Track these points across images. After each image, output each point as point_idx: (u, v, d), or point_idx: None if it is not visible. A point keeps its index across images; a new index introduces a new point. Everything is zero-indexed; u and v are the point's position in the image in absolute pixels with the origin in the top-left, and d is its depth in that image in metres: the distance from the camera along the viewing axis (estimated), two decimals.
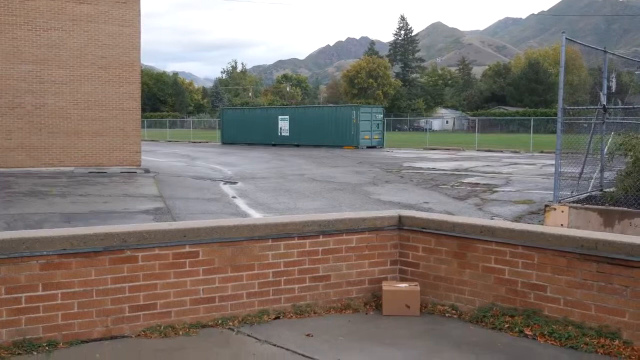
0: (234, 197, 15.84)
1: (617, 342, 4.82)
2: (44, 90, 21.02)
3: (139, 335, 5.06)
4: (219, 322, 5.37)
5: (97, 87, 21.66)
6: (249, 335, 5.16)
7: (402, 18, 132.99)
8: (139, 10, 22.26)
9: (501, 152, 38.59)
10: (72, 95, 21.39)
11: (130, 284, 5.06)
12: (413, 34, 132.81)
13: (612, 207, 10.18)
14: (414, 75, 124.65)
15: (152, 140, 53.40)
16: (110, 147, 21.99)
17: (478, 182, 19.54)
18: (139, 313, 5.11)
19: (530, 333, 5.14)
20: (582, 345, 4.86)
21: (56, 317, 4.81)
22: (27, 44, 20.71)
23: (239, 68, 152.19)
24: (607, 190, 11.41)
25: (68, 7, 21.10)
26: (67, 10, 21.10)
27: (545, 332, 5.09)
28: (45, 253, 4.75)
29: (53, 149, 21.25)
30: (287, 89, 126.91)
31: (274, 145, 44.89)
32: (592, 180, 11.69)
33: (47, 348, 4.72)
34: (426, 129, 65.16)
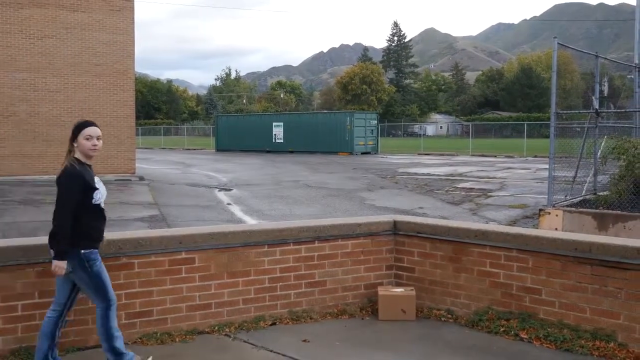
0: (229, 204, 15.84)
1: (612, 344, 4.85)
2: (38, 98, 20.99)
3: (135, 342, 5.06)
4: (216, 328, 5.38)
5: (91, 95, 21.63)
6: (245, 342, 5.17)
7: (395, 24, 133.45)
8: (133, 19, 22.27)
9: (495, 157, 38.69)
10: (66, 103, 21.35)
11: (127, 291, 5.07)
12: (406, 40, 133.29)
13: (606, 211, 10.23)
14: (407, 81, 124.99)
15: (147, 148, 53.32)
16: (104, 155, 21.91)
17: (472, 187, 19.59)
18: (135, 320, 5.11)
19: (525, 336, 5.17)
20: (577, 348, 4.89)
21: None
22: (21, 52, 20.68)
23: (233, 75, 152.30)
24: (601, 193, 11.46)
25: (62, 16, 21.09)
26: (60, 19, 21.09)
27: (541, 335, 5.11)
28: (41, 260, 4.74)
29: (47, 157, 21.18)
30: (281, 96, 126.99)
31: (268, 152, 44.88)
32: (586, 184, 11.74)
33: None
34: (420, 135, 65.33)
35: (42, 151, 21.14)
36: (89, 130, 4.36)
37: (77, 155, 4.33)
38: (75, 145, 4.34)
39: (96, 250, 4.35)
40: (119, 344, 4.39)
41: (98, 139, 4.38)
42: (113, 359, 4.38)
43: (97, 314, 4.40)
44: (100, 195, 4.40)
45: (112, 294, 4.42)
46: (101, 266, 4.36)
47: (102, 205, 4.44)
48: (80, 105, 21.51)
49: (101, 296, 4.36)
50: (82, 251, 4.25)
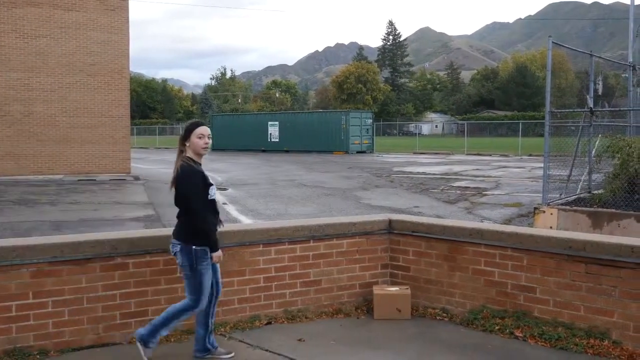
0: (224, 203, 15.81)
1: (606, 342, 4.86)
2: (32, 98, 20.93)
3: (130, 342, 5.05)
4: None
5: (85, 94, 21.58)
6: (240, 341, 5.17)
7: (391, 23, 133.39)
8: (128, 18, 22.23)
9: (490, 155, 38.75)
10: (60, 102, 21.30)
11: (122, 291, 5.06)
12: (401, 39, 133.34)
13: (600, 209, 10.25)
14: (402, 80, 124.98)
15: (142, 148, 53.24)
16: (99, 155, 21.90)
17: (468, 185, 19.62)
18: (130, 320, 5.10)
19: (520, 335, 5.18)
20: (572, 346, 4.90)
21: (47, 325, 4.80)
22: (15, 51, 20.62)
23: (228, 74, 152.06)
24: (596, 192, 11.49)
25: (56, 15, 21.04)
26: (55, 18, 21.04)
27: (536, 334, 5.12)
28: (35, 261, 4.73)
29: (42, 157, 21.14)
30: (277, 95, 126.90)
31: (263, 151, 44.86)
32: (581, 183, 11.77)
33: (38, 356, 4.70)
34: (415, 134, 65.33)
35: (37, 151, 21.09)
36: (201, 130, 4.55)
37: (189, 154, 4.55)
38: (187, 144, 4.55)
39: (207, 249, 4.51)
40: (157, 337, 4.59)
41: (208, 137, 4.60)
42: (141, 341, 4.56)
43: (180, 302, 4.64)
44: (215, 191, 4.64)
45: (205, 301, 4.58)
46: (207, 267, 4.53)
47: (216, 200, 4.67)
48: (75, 104, 21.47)
49: (194, 296, 4.55)
50: (194, 247, 4.46)
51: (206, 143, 4.56)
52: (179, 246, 4.52)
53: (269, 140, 45.98)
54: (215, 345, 4.80)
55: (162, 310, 5.19)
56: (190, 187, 4.44)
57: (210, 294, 4.65)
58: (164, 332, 4.65)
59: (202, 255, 4.49)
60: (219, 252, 4.58)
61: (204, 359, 4.75)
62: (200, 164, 4.58)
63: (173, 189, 4.53)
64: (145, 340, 4.56)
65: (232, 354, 4.81)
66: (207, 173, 4.60)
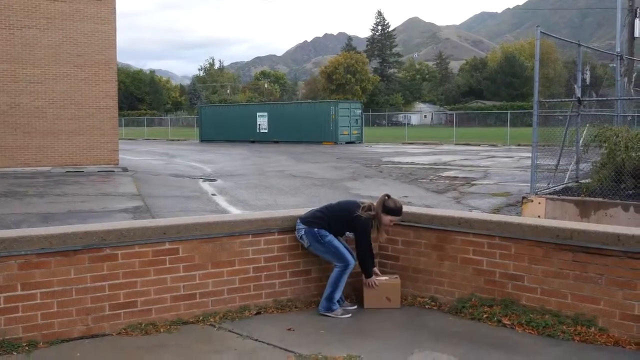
0: (213, 194, 15.79)
1: (592, 329, 4.91)
2: (18, 89, 20.74)
3: (119, 333, 5.05)
4: (200, 318, 5.38)
5: (72, 85, 21.41)
6: (230, 331, 5.18)
7: (379, 13, 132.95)
8: (115, 8, 22.04)
9: (479, 145, 38.85)
10: (47, 94, 21.13)
11: (110, 282, 5.05)
12: (390, 29, 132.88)
13: (588, 198, 10.33)
14: (391, 71, 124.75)
15: (130, 139, 52.96)
16: (87, 146, 21.77)
17: (456, 175, 19.69)
18: (119, 311, 5.10)
19: (508, 322, 5.22)
20: (559, 334, 4.95)
21: (36, 316, 4.79)
22: (0, 42, 20.41)
23: (217, 65, 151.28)
24: (583, 181, 11.57)
25: (42, 5, 20.83)
26: (41, 8, 20.83)
27: (523, 322, 5.16)
28: (23, 252, 4.71)
29: (29, 149, 20.99)
30: (265, 86, 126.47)
31: (253, 142, 44.75)
32: (568, 172, 11.84)
33: (27, 348, 4.69)
34: (405, 124, 65.39)
35: (24, 143, 20.93)
36: (397, 219, 5.75)
37: (376, 215, 5.68)
38: (382, 215, 5.65)
39: (325, 230, 5.62)
40: (338, 295, 5.62)
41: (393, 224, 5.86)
42: (326, 305, 5.59)
43: (334, 271, 5.64)
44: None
45: (349, 258, 5.63)
46: (332, 238, 5.62)
47: None
48: (62, 96, 21.31)
49: (338, 258, 5.63)
50: (316, 229, 5.59)
51: (390, 226, 5.78)
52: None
53: (258, 131, 45.87)
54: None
55: (151, 300, 5.21)
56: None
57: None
58: (339, 295, 5.63)
59: (323, 233, 5.67)
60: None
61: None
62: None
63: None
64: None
65: (350, 314, 5.61)
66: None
